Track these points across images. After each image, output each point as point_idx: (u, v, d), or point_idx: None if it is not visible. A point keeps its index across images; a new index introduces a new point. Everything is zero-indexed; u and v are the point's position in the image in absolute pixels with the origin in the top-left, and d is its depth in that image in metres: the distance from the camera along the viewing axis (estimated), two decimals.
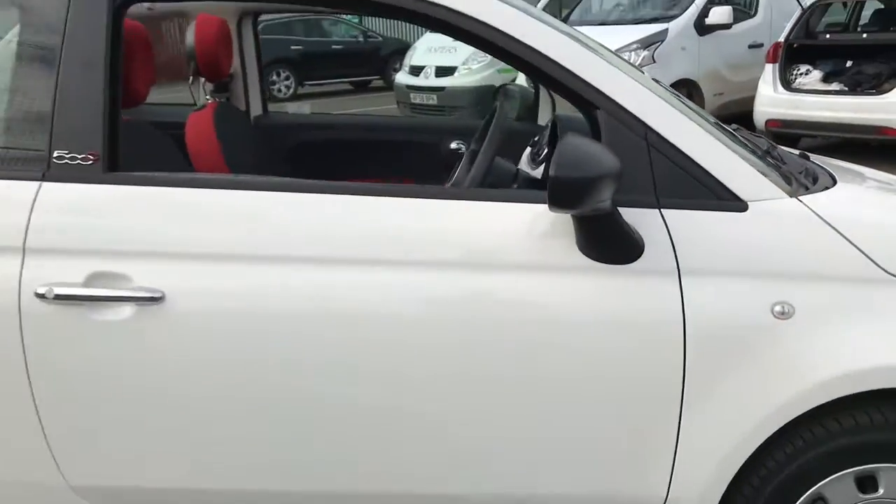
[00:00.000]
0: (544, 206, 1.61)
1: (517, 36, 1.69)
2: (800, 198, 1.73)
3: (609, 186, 1.50)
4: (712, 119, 2.05)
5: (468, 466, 1.73)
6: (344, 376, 1.67)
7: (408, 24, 19.13)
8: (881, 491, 1.74)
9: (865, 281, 1.67)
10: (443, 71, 10.96)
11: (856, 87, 7.79)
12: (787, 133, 7.69)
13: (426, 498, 1.76)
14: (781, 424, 1.67)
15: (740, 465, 1.70)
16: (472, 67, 10.82)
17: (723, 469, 1.71)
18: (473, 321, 1.65)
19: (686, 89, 8.57)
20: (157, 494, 1.77)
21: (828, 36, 8.45)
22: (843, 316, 1.66)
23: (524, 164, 2.24)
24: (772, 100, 8.03)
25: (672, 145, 1.67)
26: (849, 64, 8.05)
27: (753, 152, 1.92)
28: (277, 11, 13.19)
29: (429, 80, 11.03)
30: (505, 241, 1.66)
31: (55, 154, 1.69)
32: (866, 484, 1.74)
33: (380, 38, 17.40)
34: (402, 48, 16.66)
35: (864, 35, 8.33)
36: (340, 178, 1.82)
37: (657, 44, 8.73)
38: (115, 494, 1.77)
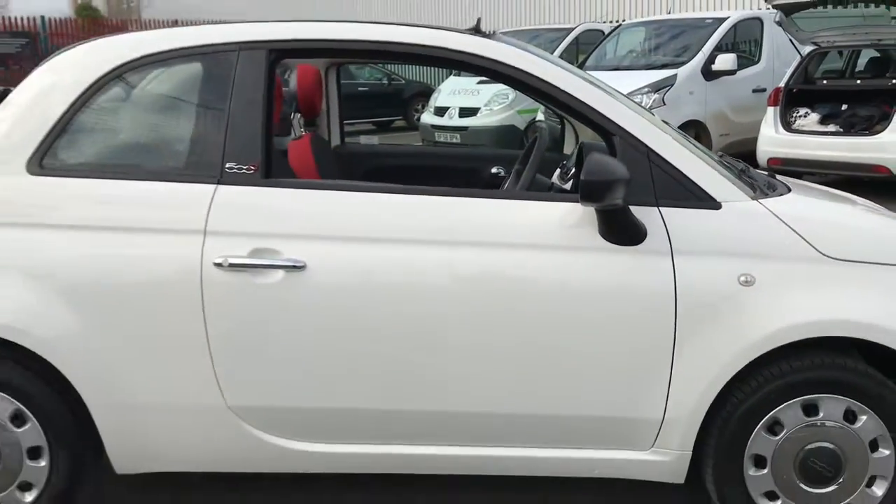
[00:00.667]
0: (575, 205, 2.29)
1: (562, 87, 2.39)
2: (760, 201, 2.40)
3: (622, 188, 2.16)
4: (699, 145, 2.72)
5: (523, 391, 2.37)
6: (437, 323, 2.32)
7: (429, 69, 20.06)
8: (821, 414, 2.37)
9: (806, 260, 2.32)
10: (466, 112, 11.72)
11: (850, 128, 8.42)
12: (787, 171, 8.27)
13: (487, 416, 2.40)
14: (744, 364, 2.31)
15: (716, 394, 2.34)
16: (493, 108, 11.56)
17: (703, 397, 2.34)
18: (524, 282, 2.31)
19: (694, 130, 9.23)
20: (289, 411, 2.42)
21: (825, 82, 9.12)
22: (789, 285, 2.31)
23: (555, 179, 2.93)
24: (773, 140, 8.69)
25: (666, 161, 2.34)
26: (844, 107, 8.70)
27: (730, 170, 2.58)
28: (365, 64, 13.95)
29: (453, 120, 11.78)
30: (548, 227, 2.33)
31: (227, 165, 2.38)
32: (810, 410, 2.37)
33: (403, 81, 18.26)
34: (424, 90, 17.55)
35: (858, 81, 9.00)
36: None
37: (667, 88, 9.43)
38: (261, 411, 2.42)
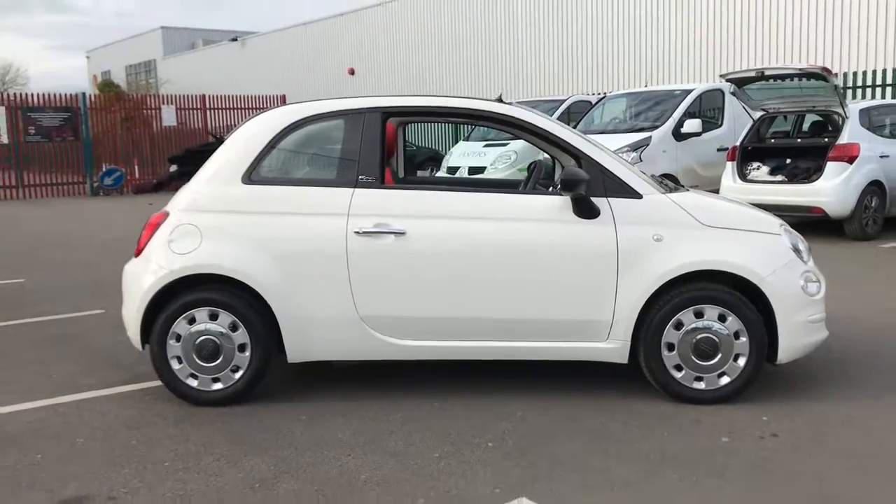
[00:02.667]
0: (560, 197, 4.06)
1: (553, 132, 4.18)
2: (666, 195, 4.16)
3: (584, 184, 3.92)
4: (633, 166, 4.48)
5: (531, 304, 4.07)
6: (480, 265, 4.04)
7: (437, 136, 22.12)
8: (705, 317, 4.08)
9: (691, 226, 4.07)
10: (474, 170, 13.59)
11: (793, 178, 10.25)
12: None
13: (509, 320, 4.10)
14: (659, 286, 4.02)
15: (643, 304, 4.05)
16: (498, 167, 13.43)
17: (636, 306, 4.06)
18: (529, 241, 4.05)
19: None
20: (395, 319, 4.11)
21: (772, 140, 11.00)
22: (682, 241, 4.05)
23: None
24: (732, 189, 10.48)
25: (611, 172, 4.11)
26: (788, 161, 10.54)
27: (651, 178, 4.35)
28: (423, 122, 16.03)
29: (463, 177, 13.63)
30: (546, 209, 4.08)
31: (360, 177, 4.15)
32: (699, 314, 4.08)
33: (414, 147, 20.26)
34: (433, 155, 19.53)
35: (799, 140, 10.88)
36: None
37: (643, 147, 11.30)
38: (379, 319, 4.12)
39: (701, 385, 4.12)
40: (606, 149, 4.33)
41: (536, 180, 4.68)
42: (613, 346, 4.14)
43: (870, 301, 6.43)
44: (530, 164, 5.24)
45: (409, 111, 4.34)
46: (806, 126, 11.52)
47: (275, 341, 4.21)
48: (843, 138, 9.85)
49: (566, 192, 3.98)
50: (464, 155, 14.08)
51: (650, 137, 11.43)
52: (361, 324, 4.14)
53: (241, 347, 4.18)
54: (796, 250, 4.22)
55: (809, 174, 10.11)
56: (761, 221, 4.25)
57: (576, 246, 4.06)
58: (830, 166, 9.78)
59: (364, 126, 4.23)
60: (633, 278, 4.05)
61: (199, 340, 4.16)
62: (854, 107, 10.19)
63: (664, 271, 4.03)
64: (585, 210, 4.04)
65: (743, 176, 10.59)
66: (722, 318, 4.08)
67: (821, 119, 11.19)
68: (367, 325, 4.14)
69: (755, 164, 10.71)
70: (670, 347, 4.11)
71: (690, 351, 4.09)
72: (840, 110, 9.98)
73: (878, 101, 11.30)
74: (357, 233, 4.08)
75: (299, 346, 4.20)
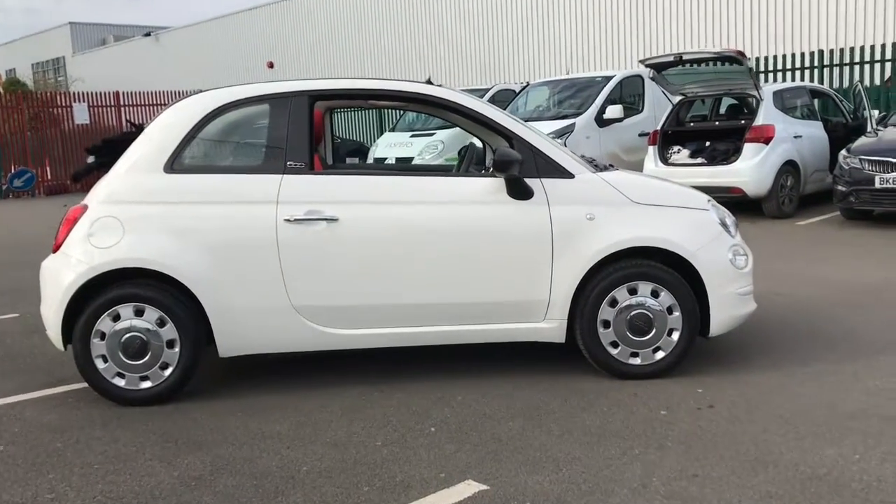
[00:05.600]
0: (494, 179, 4.03)
1: (485, 113, 4.15)
2: (597, 174, 4.18)
3: (517, 165, 3.91)
4: (567, 148, 4.49)
5: (467, 287, 4.04)
6: (415, 250, 3.99)
7: (361, 128, 21.97)
8: (639, 293, 4.12)
9: (622, 204, 4.10)
10: (401, 161, 13.50)
11: (713, 160, 10.50)
12: None
13: (445, 304, 4.06)
14: (593, 264, 4.05)
15: (578, 282, 4.06)
16: (425, 158, 13.37)
17: (571, 285, 4.07)
18: (464, 223, 4.01)
19: None
20: (329, 308, 4.02)
21: (692, 124, 11.26)
22: (613, 219, 4.07)
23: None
24: (654, 172, 10.64)
25: (543, 153, 4.11)
26: (707, 144, 10.80)
27: (582, 158, 4.37)
28: (350, 107, 15.77)
29: None
30: (479, 191, 4.05)
31: (288, 163, 4.04)
32: (633, 291, 4.12)
33: (339, 139, 20.05)
34: (359, 148, 19.37)
35: (717, 123, 11.16)
36: None
37: (567, 134, 11.38)
38: (312, 308, 4.02)
39: (637, 360, 4.16)
40: (537, 129, 4.33)
41: (469, 163, 4.65)
42: (551, 326, 4.14)
43: (789, 275, 6.64)
44: (461, 148, 5.20)
45: (336, 94, 4.25)
46: (723, 109, 11.84)
47: (205, 336, 4.07)
48: (759, 120, 10.15)
49: (500, 173, 3.96)
50: (390, 146, 13.99)
51: (574, 124, 11.53)
52: (295, 314, 4.04)
53: (170, 343, 4.02)
54: (724, 225, 4.30)
55: (728, 156, 10.36)
56: (690, 197, 4.31)
57: (511, 227, 4.04)
58: (747, 147, 10.05)
59: (290, 110, 4.11)
60: (567, 257, 4.06)
61: (124, 338, 3.98)
62: (768, 89, 10.50)
63: (598, 249, 4.06)
64: (519, 191, 4.03)
65: (664, 159, 10.79)
66: (655, 294, 4.13)
67: (736, 102, 11.52)
68: (301, 315, 4.04)
69: (676, 148, 10.92)
70: (606, 325, 4.13)
71: (625, 327, 4.13)
72: (755, 93, 10.27)
73: (790, 84, 11.70)
74: (288, 220, 3.97)
75: (231, 340, 4.07)
